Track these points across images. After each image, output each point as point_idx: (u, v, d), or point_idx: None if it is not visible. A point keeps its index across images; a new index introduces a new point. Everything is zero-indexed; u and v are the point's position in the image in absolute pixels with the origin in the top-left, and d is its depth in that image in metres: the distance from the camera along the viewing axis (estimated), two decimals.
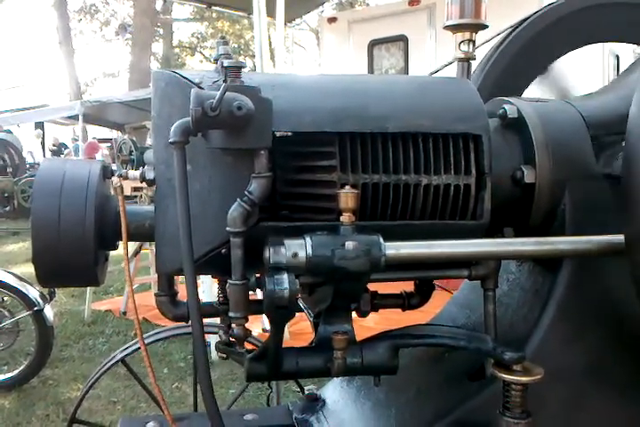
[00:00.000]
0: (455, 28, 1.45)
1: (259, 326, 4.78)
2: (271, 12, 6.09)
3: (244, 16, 9.16)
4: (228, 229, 1.08)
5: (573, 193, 1.30)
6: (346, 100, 1.21)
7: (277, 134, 1.14)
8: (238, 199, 1.08)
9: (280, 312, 1.00)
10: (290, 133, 1.16)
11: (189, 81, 1.16)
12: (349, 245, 1.05)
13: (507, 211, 1.33)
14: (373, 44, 7.44)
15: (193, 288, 1.03)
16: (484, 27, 1.45)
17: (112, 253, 1.38)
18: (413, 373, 1.45)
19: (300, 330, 4.52)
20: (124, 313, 6.02)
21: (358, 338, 1.23)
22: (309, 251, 1.06)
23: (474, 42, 1.46)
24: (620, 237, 1.14)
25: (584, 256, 1.22)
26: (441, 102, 1.25)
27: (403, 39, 7.26)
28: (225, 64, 1.08)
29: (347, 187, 1.11)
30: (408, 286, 1.47)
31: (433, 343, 1.23)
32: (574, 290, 1.26)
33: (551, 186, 1.31)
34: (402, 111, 1.22)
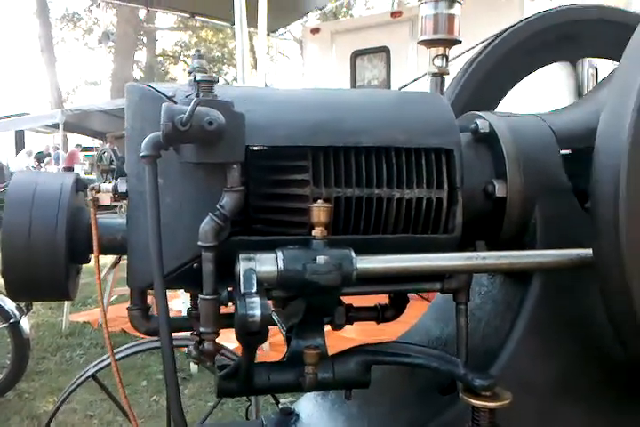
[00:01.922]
0: (429, 43, 1.48)
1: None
2: (254, 22, 6.12)
3: (227, 26, 9.17)
4: (199, 243, 1.07)
5: (544, 207, 1.32)
6: (320, 115, 1.22)
7: (251, 148, 1.14)
8: (210, 213, 1.08)
9: (252, 337, 0.99)
10: (263, 147, 1.17)
11: (162, 94, 1.16)
12: (321, 259, 1.05)
13: (478, 224, 1.35)
14: (356, 54, 7.50)
15: (163, 303, 1.02)
16: (457, 42, 1.47)
17: (91, 263, 1.36)
18: (386, 386, 1.45)
19: (279, 341, 4.47)
20: (101, 325, 5.95)
21: (337, 349, 1.23)
22: (281, 265, 1.06)
23: (447, 57, 1.48)
24: (589, 251, 1.16)
25: (554, 270, 1.24)
26: (414, 117, 1.27)
27: (385, 50, 7.33)
28: (197, 78, 1.08)
29: (319, 201, 1.11)
30: (383, 299, 1.47)
31: (405, 362, 1.23)
32: (544, 303, 1.27)
33: (522, 200, 1.32)
34: (375, 126, 1.23)
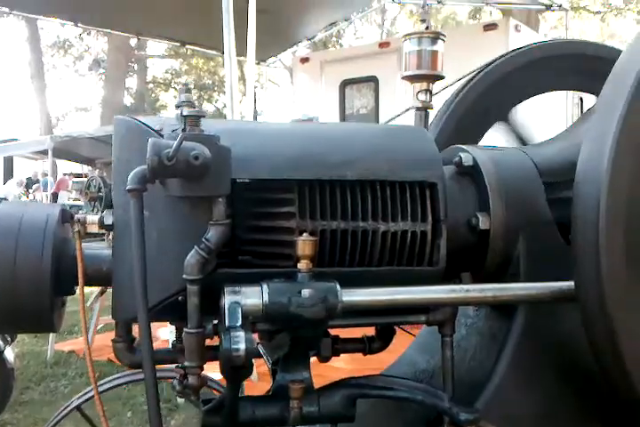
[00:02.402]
0: (413, 79, 1.51)
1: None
2: (243, 51, 6.21)
3: (218, 55, 9.30)
4: (184, 276, 1.08)
5: (527, 239, 1.33)
6: (305, 148, 1.24)
7: (237, 181, 1.15)
8: (195, 246, 1.08)
9: (236, 371, 0.99)
10: (249, 180, 1.18)
11: (149, 128, 1.17)
12: (306, 292, 1.06)
13: (463, 256, 1.36)
14: (345, 83, 7.62)
15: (147, 337, 1.02)
16: (441, 78, 1.51)
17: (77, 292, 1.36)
18: (373, 419, 1.44)
19: (268, 371, 4.44)
20: None
21: (325, 378, 1.22)
22: (266, 298, 1.06)
23: (431, 91, 1.51)
24: (572, 284, 1.17)
25: (537, 302, 1.25)
26: (398, 151, 1.29)
27: (373, 80, 7.45)
28: (184, 113, 1.10)
29: (304, 234, 1.12)
30: (370, 330, 1.47)
31: (391, 396, 1.23)
32: (528, 336, 1.28)
33: (505, 232, 1.34)
34: (359, 159, 1.25)
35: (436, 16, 22.33)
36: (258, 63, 8.67)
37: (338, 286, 1.10)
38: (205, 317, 1.13)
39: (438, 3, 8.10)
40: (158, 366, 1.07)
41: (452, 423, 1.11)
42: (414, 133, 1.37)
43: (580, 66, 1.85)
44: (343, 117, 7.50)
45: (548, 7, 7.07)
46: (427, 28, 1.47)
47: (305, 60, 7.90)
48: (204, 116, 1.11)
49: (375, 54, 7.39)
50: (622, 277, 1.05)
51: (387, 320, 1.30)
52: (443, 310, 1.28)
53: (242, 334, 0.99)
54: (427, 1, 1.53)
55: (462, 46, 5.73)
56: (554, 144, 1.59)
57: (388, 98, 7.24)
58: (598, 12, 20.69)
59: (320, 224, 1.20)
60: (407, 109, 1.60)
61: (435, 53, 1.49)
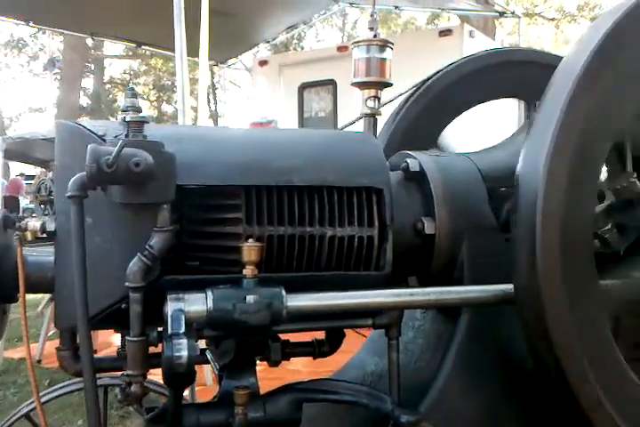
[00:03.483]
0: (362, 85, 1.53)
1: None
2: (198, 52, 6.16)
3: (174, 56, 9.19)
4: (127, 283, 1.06)
5: (471, 243, 1.37)
6: (253, 154, 1.24)
7: (183, 187, 1.15)
8: (139, 253, 1.07)
9: (179, 379, 0.98)
10: (195, 186, 1.18)
11: (93, 133, 1.16)
12: (250, 298, 1.06)
13: (410, 260, 1.38)
14: (304, 87, 7.63)
15: (86, 345, 1.00)
16: (389, 85, 1.53)
17: (28, 296, 1.32)
18: (322, 422, 1.45)
19: None
20: (39, 361, 5.69)
21: (283, 382, 1.22)
22: (210, 305, 1.06)
23: (379, 98, 1.53)
24: (512, 286, 1.20)
25: (480, 305, 1.28)
26: (345, 157, 1.30)
27: (332, 83, 7.48)
28: (128, 119, 1.09)
29: (250, 240, 1.12)
30: (320, 334, 1.48)
31: (335, 400, 1.24)
32: (472, 338, 1.31)
33: (450, 237, 1.37)
34: (307, 165, 1.26)
35: (397, 21, 22.58)
36: (216, 65, 8.60)
37: (283, 292, 1.11)
38: (151, 324, 1.13)
39: (396, 8, 8.20)
40: (110, 374, 1.05)
41: (395, 425, 1.13)
42: (361, 140, 1.39)
43: (529, 73, 1.89)
44: (302, 121, 7.51)
45: (502, 14, 7.24)
46: (375, 35, 1.49)
47: (263, 62, 7.87)
48: (147, 122, 1.10)
49: (334, 58, 7.43)
50: (557, 276, 1.08)
51: (334, 324, 1.31)
52: (389, 313, 1.30)
53: (184, 341, 0.99)
54: (376, 8, 1.55)
55: (418, 51, 5.82)
56: (498, 151, 1.63)
57: (347, 101, 7.28)
58: (553, 19, 21.26)
59: (267, 230, 1.21)
60: (357, 119, 1.61)
61: (383, 61, 1.51)
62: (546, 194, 1.09)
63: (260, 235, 1.20)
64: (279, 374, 1.33)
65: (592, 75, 1.12)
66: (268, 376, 1.41)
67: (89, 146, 1.01)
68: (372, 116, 1.52)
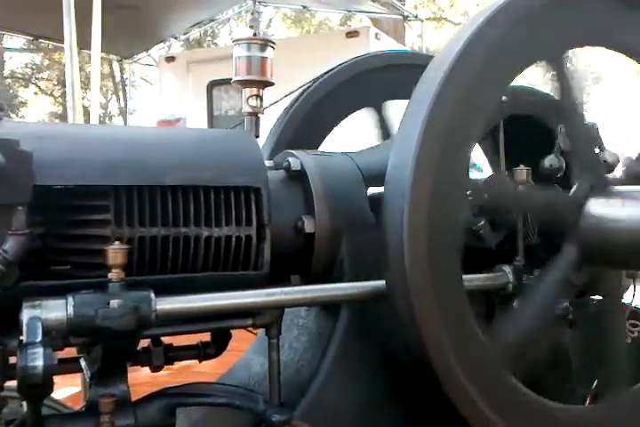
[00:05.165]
0: (243, 84, 1.52)
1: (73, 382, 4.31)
2: (105, 47, 5.92)
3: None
4: None
5: (350, 242, 1.39)
6: (122, 153, 1.20)
7: (46, 188, 1.09)
8: None
9: (35, 389, 0.93)
10: (59, 187, 1.12)
11: None
12: (114, 303, 1.03)
13: (291, 259, 1.39)
14: (213, 84, 7.51)
15: None
16: (270, 84, 1.53)
17: None
18: (206, 425, 1.43)
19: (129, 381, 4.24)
20: None
21: None
22: (71, 311, 1.01)
23: (261, 97, 1.53)
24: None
25: (357, 302, 1.30)
26: (221, 156, 1.29)
27: None
28: None
29: (116, 242, 1.09)
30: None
31: (209, 403, 1.23)
32: (351, 334, 1.33)
33: (330, 235, 1.38)
34: (181, 164, 1.23)
35: (311, 21, 22.70)
36: (121, 60, 8.32)
37: (152, 295, 1.08)
38: (11, 333, 1.06)
39: (304, 8, 8.25)
40: None
41: (268, 426, 1.13)
42: (239, 138, 1.38)
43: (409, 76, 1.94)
44: (211, 119, 7.40)
45: (406, 18, 7.45)
46: (254, 34, 1.48)
47: (170, 59, 7.69)
48: (0, 119, 1.04)
49: None
50: (424, 265, 1.12)
51: (212, 326, 1.29)
52: (268, 312, 1.30)
53: (40, 350, 0.94)
54: (256, 8, 1.54)
55: (326, 51, 5.88)
56: (379, 150, 1.67)
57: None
58: (460, 23, 22.12)
59: (138, 231, 1.17)
60: (239, 123, 1.60)
61: (264, 60, 1.51)
62: (413, 189, 1.12)
63: (131, 236, 1.16)
64: (187, 377, 1.32)
65: (455, 76, 1.16)
66: (172, 381, 1.38)
67: None
68: (254, 115, 1.51)
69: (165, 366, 1.37)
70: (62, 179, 1.12)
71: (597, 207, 1.32)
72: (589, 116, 1.49)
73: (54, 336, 1.01)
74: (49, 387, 0.94)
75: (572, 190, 1.38)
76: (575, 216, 1.33)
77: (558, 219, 1.40)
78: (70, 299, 1.02)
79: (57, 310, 1.01)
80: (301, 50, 6.40)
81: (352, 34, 6.60)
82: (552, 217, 1.44)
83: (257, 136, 1.50)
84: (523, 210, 1.45)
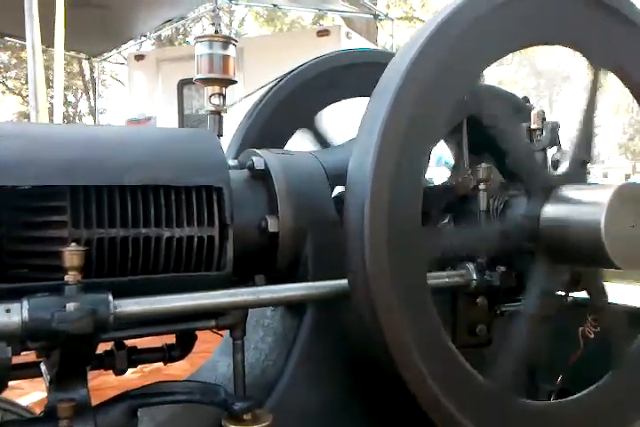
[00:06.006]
0: (205, 82, 1.50)
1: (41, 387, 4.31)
2: (73, 44, 5.83)
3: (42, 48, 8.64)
4: None
5: (314, 241, 1.38)
6: (80, 152, 1.18)
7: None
8: None
9: None
10: (13, 188, 1.10)
11: None
12: (71, 306, 1.01)
13: (256, 259, 1.38)
14: (183, 83, 7.44)
15: None
16: (233, 82, 1.51)
17: None
18: (176, 424, 1.42)
19: (98, 385, 4.20)
20: None
21: None
22: (25, 315, 0.99)
23: (224, 95, 1.51)
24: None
25: (319, 301, 1.29)
26: (182, 155, 1.27)
27: None
28: None
29: (73, 244, 1.06)
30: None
31: (171, 400, 1.21)
32: (316, 334, 1.32)
33: (294, 234, 1.38)
34: (141, 164, 1.21)
35: (284, 19, 22.64)
36: (88, 58, 8.19)
37: (110, 297, 1.06)
38: None
39: (274, 6, 8.22)
40: None
41: (230, 417, 1.12)
42: (200, 137, 1.36)
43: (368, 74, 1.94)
44: (182, 118, 7.33)
45: (376, 17, 7.48)
46: (216, 31, 1.47)
47: (140, 57, 7.58)
48: None
49: None
50: (385, 263, 1.12)
51: (175, 328, 1.28)
52: (232, 313, 1.28)
53: None
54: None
55: (297, 50, 5.86)
56: (344, 148, 1.66)
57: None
58: None
59: (97, 232, 1.15)
60: (200, 122, 1.58)
61: (226, 58, 1.49)
62: (372, 191, 1.12)
63: (89, 238, 1.14)
64: (155, 380, 1.30)
65: (414, 75, 1.16)
66: (143, 384, 1.36)
67: None
68: (217, 114, 1.49)
69: (137, 369, 1.35)
70: (17, 179, 1.09)
71: (551, 211, 1.30)
72: (553, 116, 1.49)
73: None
74: (2, 383, 0.92)
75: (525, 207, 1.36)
76: (534, 230, 1.31)
77: (519, 240, 1.35)
78: (25, 302, 1.00)
79: (10, 313, 0.98)
80: (272, 48, 6.38)
81: (323, 33, 6.60)
82: (512, 242, 1.36)
83: (220, 135, 1.48)
84: (482, 252, 1.40)
